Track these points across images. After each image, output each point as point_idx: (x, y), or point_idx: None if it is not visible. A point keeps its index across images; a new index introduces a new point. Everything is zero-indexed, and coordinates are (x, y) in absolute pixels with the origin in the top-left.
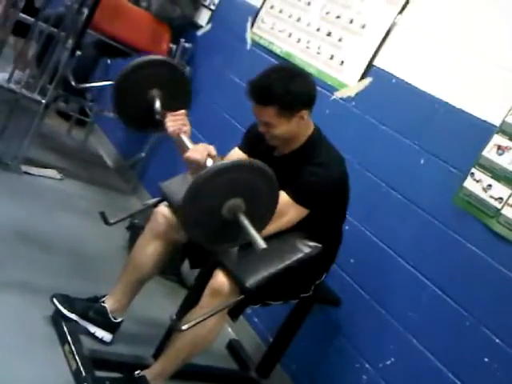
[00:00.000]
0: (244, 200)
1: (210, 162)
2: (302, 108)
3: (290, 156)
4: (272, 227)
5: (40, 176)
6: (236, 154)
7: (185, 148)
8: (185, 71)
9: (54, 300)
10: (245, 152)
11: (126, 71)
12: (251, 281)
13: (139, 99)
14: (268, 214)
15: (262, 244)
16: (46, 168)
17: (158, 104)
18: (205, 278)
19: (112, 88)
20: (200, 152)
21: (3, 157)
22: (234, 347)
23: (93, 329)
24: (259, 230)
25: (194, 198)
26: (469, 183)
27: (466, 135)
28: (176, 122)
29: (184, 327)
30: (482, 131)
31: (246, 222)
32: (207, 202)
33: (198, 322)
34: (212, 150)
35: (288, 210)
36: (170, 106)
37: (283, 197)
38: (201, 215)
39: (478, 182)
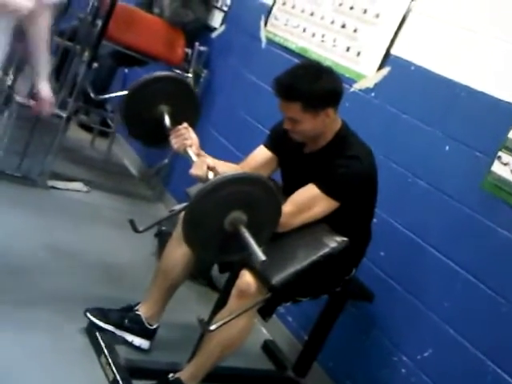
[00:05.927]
0: (244, 212)
1: (211, 175)
2: (327, 106)
3: (319, 153)
4: (300, 219)
5: (67, 190)
6: (261, 153)
7: (191, 162)
8: (191, 85)
9: (88, 314)
10: (270, 149)
11: (133, 89)
12: (277, 278)
13: (148, 116)
14: (271, 224)
15: (261, 256)
16: (72, 181)
17: (167, 120)
18: (234, 280)
19: (120, 107)
20: (200, 167)
21: (29, 173)
22: (269, 347)
23: (130, 337)
24: (264, 239)
25: (196, 218)
26: (496, 167)
27: (490, 118)
28: (179, 139)
29: (212, 327)
30: (507, 113)
31: (246, 235)
32: (209, 219)
33: (225, 322)
34: (209, 162)
35: (317, 202)
36: (179, 120)
37: (312, 189)
38: (204, 233)
39: (505, 165)
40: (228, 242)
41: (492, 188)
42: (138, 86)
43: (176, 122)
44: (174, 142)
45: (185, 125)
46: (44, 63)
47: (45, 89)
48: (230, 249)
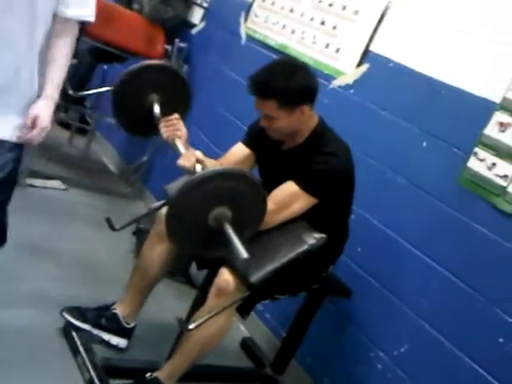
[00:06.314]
0: (229, 208)
1: (198, 168)
2: (301, 103)
3: (296, 150)
4: (280, 216)
5: (44, 187)
6: (239, 150)
7: (179, 154)
8: (183, 74)
9: (64, 314)
10: (248, 146)
11: (124, 77)
12: (256, 276)
13: (138, 105)
14: (255, 221)
15: (243, 254)
16: (49, 179)
17: (156, 109)
18: (213, 278)
19: (111, 94)
20: (188, 159)
21: None
22: (247, 345)
23: (107, 336)
24: (247, 235)
25: (180, 211)
26: (473, 163)
27: (466, 115)
28: (169, 128)
29: (191, 326)
30: (483, 109)
31: (230, 232)
32: (194, 212)
33: (204, 321)
34: (199, 155)
35: (296, 199)
36: (169, 110)
37: (291, 186)
38: (188, 226)
39: (481, 161)
40: (211, 237)
41: (468, 184)
42: (131, 73)
43: (166, 112)
44: (164, 131)
45: (176, 115)
46: (55, 81)
47: (42, 111)
48: (213, 244)
